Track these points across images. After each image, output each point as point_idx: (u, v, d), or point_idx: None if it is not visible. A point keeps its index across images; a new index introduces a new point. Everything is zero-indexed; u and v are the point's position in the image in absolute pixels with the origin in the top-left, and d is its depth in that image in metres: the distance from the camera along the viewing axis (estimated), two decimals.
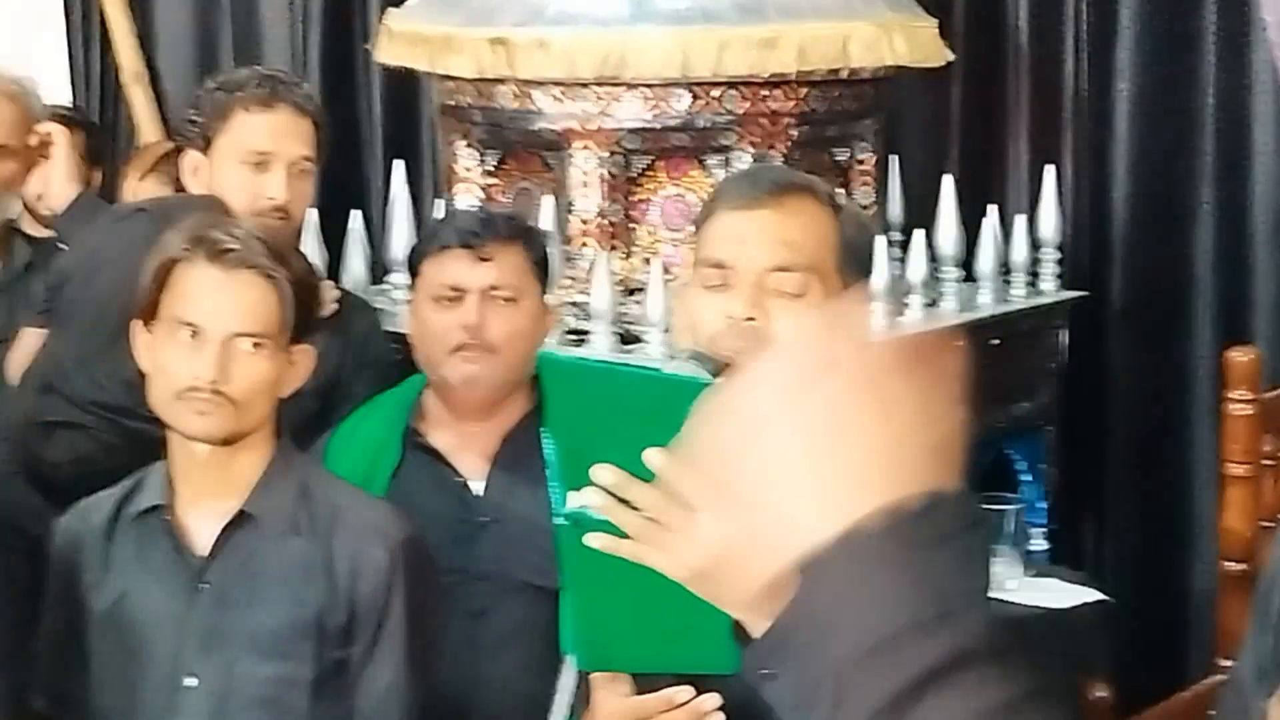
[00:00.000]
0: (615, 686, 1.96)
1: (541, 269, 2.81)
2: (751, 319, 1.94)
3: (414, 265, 2.81)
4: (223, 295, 2.26)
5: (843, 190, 3.59)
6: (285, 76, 3.05)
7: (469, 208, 2.83)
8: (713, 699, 1.90)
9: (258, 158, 2.93)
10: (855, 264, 2.02)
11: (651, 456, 1.54)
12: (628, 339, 3.43)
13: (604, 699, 1.98)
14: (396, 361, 3.13)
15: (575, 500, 1.57)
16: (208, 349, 2.24)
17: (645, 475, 1.55)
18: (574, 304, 3.51)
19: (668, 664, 1.70)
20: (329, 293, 3.06)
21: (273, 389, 2.31)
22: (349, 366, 3.01)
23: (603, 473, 1.59)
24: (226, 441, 2.28)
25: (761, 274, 1.96)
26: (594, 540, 1.59)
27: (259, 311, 2.27)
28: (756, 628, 1.70)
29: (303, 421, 2.87)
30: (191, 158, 3.01)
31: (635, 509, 1.54)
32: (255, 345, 2.26)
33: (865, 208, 3.69)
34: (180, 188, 3.09)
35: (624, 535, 1.50)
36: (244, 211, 2.84)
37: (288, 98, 2.96)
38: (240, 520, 2.31)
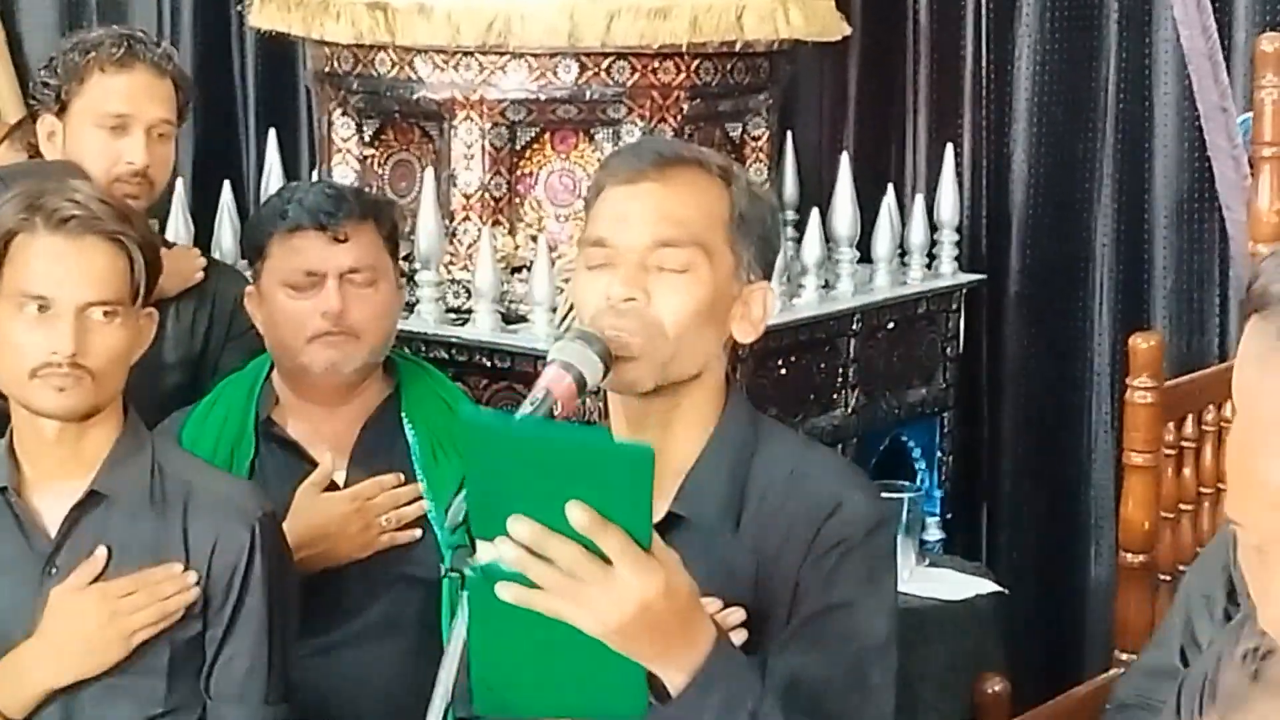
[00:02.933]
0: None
1: (394, 244, 2.68)
2: (632, 299, 1.83)
3: (258, 245, 2.65)
4: (70, 265, 2.15)
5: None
6: (143, 36, 2.91)
7: (312, 182, 2.68)
8: (737, 613, 1.83)
9: (115, 121, 2.81)
10: (749, 236, 1.91)
11: (574, 512, 1.49)
12: (511, 318, 3.30)
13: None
14: None
15: (487, 552, 1.53)
16: (61, 323, 2.13)
17: (560, 528, 1.51)
18: (455, 281, 3.38)
19: (571, 710, 1.68)
20: (195, 260, 2.93)
21: (128, 358, 2.21)
22: (217, 335, 2.89)
23: (520, 526, 1.53)
24: (84, 417, 2.16)
25: (643, 251, 1.87)
26: (505, 592, 1.54)
27: (109, 279, 2.16)
28: (672, 681, 1.63)
29: (169, 395, 2.76)
30: (47, 122, 2.89)
31: (550, 563, 1.49)
32: (107, 314, 2.16)
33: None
34: (37, 154, 2.94)
35: (534, 586, 1.47)
36: (102, 176, 2.72)
37: (145, 58, 2.83)
38: (90, 500, 2.20)
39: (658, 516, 1.91)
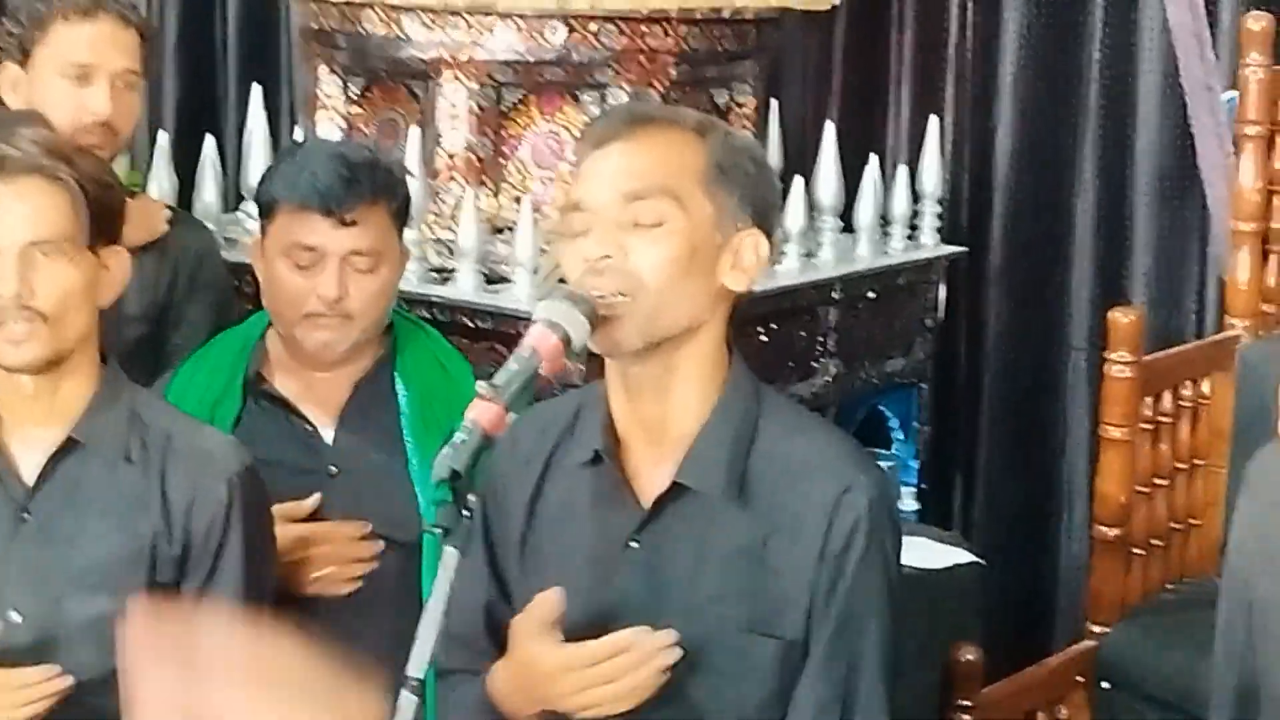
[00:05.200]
0: (546, 635, 1.89)
1: (402, 219, 2.66)
2: (607, 256, 1.83)
3: (267, 203, 2.63)
4: (7, 206, 2.11)
5: None
6: None
7: (328, 152, 2.63)
8: (668, 634, 1.86)
9: (79, 70, 2.77)
10: (730, 185, 1.90)
11: None
12: (493, 279, 3.30)
13: (532, 649, 1.90)
14: (237, 289, 2.99)
15: None
16: (4, 264, 2.10)
17: None
18: (439, 241, 3.37)
19: None
20: (159, 212, 2.91)
21: (86, 298, 2.17)
22: (181, 288, 2.87)
23: None
24: (50, 365, 2.14)
25: (614, 208, 1.86)
26: None
27: (50, 216, 2.12)
28: None
29: (134, 346, 2.74)
30: (9, 72, 2.85)
31: None
32: (49, 253, 2.12)
33: None
34: (1, 104, 2.91)
35: None
36: (66, 127, 2.67)
37: (110, 7, 2.79)
38: (68, 448, 2.18)
39: (662, 486, 1.92)
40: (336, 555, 2.50)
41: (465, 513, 1.69)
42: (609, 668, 1.87)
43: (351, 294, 2.54)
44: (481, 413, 1.73)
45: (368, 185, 2.56)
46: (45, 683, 2.11)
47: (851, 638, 1.89)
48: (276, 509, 2.46)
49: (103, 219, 2.16)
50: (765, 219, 1.94)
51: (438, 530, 1.69)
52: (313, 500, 2.53)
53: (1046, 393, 4.11)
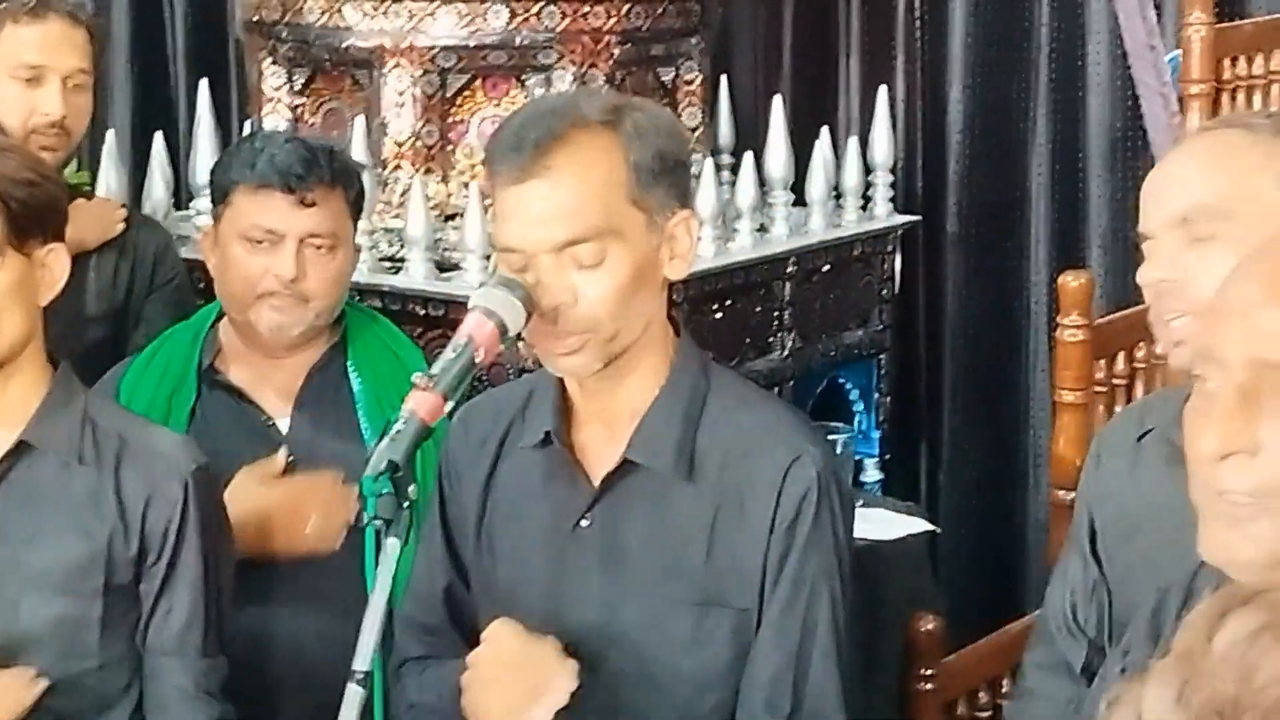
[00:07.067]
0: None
1: (358, 208, 2.66)
2: (561, 304, 1.84)
3: (223, 189, 2.62)
4: None
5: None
6: None
7: (288, 137, 2.62)
8: None
9: (30, 72, 2.77)
10: (653, 180, 1.88)
11: None
12: (444, 266, 3.29)
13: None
14: (196, 288, 2.97)
15: None
16: None
17: None
18: (389, 230, 3.36)
19: None
20: (115, 212, 2.90)
21: (17, 300, 2.14)
22: (139, 287, 2.87)
23: None
24: None
25: (551, 255, 1.83)
26: None
27: None
28: None
29: (92, 348, 2.73)
30: None
31: None
32: None
33: (693, 129, 3.58)
34: None
35: None
36: (19, 128, 2.69)
37: (58, 7, 2.80)
38: (19, 451, 2.16)
39: (613, 463, 1.93)
40: (323, 503, 2.50)
41: (404, 503, 1.69)
42: None
43: (307, 275, 2.54)
44: (419, 402, 1.73)
45: (327, 168, 2.56)
46: (23, 686, 2.11)
47: (803, 606, 1.90)
48: (252, 470, 2.47)
49: (29, 218, 2.14)
50: (686, 189, 1.93)
51: (378, 522, 1.69)
52: (282, 454, 2.53)
53: (1006, 359, 4.12)
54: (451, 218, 3.36)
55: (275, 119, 3.49)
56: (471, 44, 3.33)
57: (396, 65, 3.34)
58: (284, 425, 2.60)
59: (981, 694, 2.77)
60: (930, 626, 2.81)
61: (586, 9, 3.34)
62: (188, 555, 2.18)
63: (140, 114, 4.33)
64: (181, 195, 3.66)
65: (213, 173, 2.66)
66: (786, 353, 3.62)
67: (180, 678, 2.19)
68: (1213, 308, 1.27)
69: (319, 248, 2.55)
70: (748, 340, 3.55)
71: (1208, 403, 1.25)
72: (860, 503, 3.44)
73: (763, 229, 3.63)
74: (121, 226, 2.88)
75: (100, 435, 2.20)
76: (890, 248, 3.89)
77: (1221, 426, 1.23)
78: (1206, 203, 1.76)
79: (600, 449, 1.94)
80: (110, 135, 3.58)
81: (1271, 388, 1.22)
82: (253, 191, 2.53)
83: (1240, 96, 3.33)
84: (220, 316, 2.65)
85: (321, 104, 3.51)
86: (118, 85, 4.39)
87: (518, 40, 3.33)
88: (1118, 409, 3.19)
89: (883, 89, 3.89)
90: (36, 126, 2.74)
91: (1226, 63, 3.35)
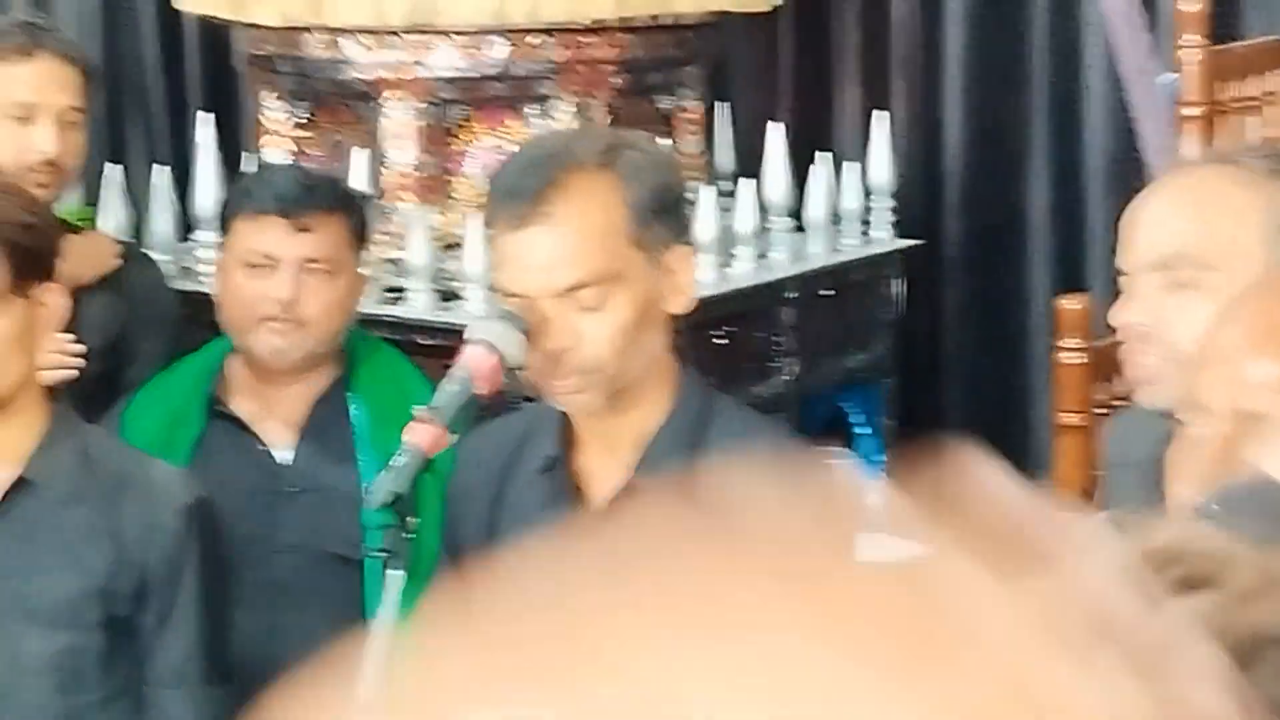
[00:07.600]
0: None
1: (360, 237, 2.68)
2: (564, 348, 1.86)
3: (225, 220, 2.66)
4: None
5: (669, 141, 3.50)
6: (45, 23, 2.89)
7: (288, 166, 2.65)
8: None
9: (22, 110, 2.77)
10: (652, 218, 1.90)
11: None
12: (447, 296, 3.31)
13: None
14: (193, 322, 2.99)
15: None
16: None
17: None
18: (391, 261, 3.38)
19: None
20: (109, 247, 2.91)
21: (19, 344, 2.16)
22: (134, 323, 2.88)
23: None
24: None
25: (553, 300, 1.87)
26: None
27: None
28: None
29: (89, 383, 2.74)
30: None
31: None
32: None
33: (692, 157, 3.59)
34: None
35: None
36: (12, 167, 2.69)
37: (49, 45, 2.80)
38: (19, 487, 2.18)
39: (619, 485, 1.95)
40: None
41: (406, 535, 1.71)
42: None
43: (305, 300, 2.56)
44: (419, 435, 1.75)
45: (325, 195, 2.59)
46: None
47: None
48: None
49: (28, 260, 2.15)
50: (683, 224, 1.95)
51: (382, 554, 1.70)
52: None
53: (1010, 382, 4.12)
54: (451, 247, 3.37)
55: (278, 152, 3.51)
56: (471, 75, 3.36)
57: (397, 97, 3.37)
58: (286, 456, 2.62)
59: None
60: None
61: (584, 40, 3.37)
62: (187, 589, 2.20)
63: (151, 148, 4.34)
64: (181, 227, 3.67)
65: (220, 212, 2.71)
66: (789, 378, 3.63)
67: (181, 710, 2.20)
68: (1197, 355, 1.28)
69: (317, 273, 2.57)
70: (749, 366, 3.56)
71: (1191, 449, 1.27)
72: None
73: (763, 255, 3.64)
74: (117, 262, 2.89)
75: (99, 470, 2.22)
76: (891, 272, 3.90)
77: (1206, 478, 1.25)
78: (1188, 252, 1.75)
79: (605, 474, 1.96)
80: (109, 169, 3.58)
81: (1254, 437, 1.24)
82: (251, 218, 2.57)
83: (1233, 119, 3.34)
84: (230, 351, 2.68)
85: (324, 136, 3.53)
86: (129, 119, 4.40)
87: (516, 72, 3.36)
88: None
89: (881, 114, 3.90)
90: (31, 165, 2.74)
91: (1221, 84, 3.36)
